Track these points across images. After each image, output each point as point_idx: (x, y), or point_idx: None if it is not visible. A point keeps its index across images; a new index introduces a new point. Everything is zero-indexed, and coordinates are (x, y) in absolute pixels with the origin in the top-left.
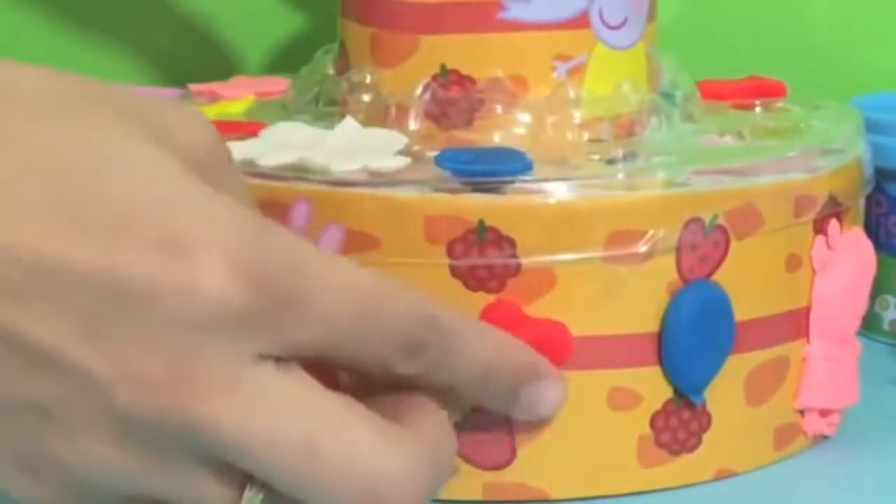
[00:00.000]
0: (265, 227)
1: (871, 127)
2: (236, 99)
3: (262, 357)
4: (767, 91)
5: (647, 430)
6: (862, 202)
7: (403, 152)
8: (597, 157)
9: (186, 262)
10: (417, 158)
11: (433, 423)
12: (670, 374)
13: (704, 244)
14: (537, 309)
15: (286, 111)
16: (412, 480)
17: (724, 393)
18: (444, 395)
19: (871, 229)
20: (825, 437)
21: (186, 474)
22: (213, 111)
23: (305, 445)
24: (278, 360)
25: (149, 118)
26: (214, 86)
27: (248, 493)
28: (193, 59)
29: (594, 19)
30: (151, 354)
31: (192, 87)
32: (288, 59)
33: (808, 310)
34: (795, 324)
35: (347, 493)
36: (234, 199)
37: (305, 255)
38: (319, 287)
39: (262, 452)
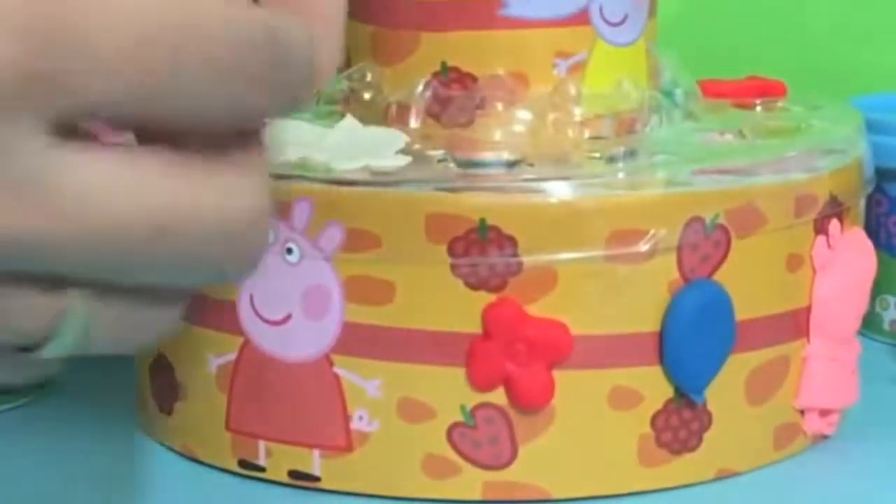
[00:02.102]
0: None
1: (871, 127)
2: None
3: (58, 130)
4: (768, 91)
5: (647, 429)
6: (862, 202)
7: (404, 151)
8: (597, 154)
9: None
10: (418, 157)
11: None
12: (671, 374)
13: (705, 244)
14: (538, 308)
15: None
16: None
17: (724, 392)
18: None
19: (872, 229)
20: (825, 437)
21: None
22: None
23: (150, 232)
24: (78, 133)
25: None
26: None
27: (74, 296)
28: None
29: (595, 16)
30: None
31: None
32: None
33: (808, 310)
34: (796, 323)
35: (210, 262)
36: None
37: None
38: (102, 20)
39: (101, 254)
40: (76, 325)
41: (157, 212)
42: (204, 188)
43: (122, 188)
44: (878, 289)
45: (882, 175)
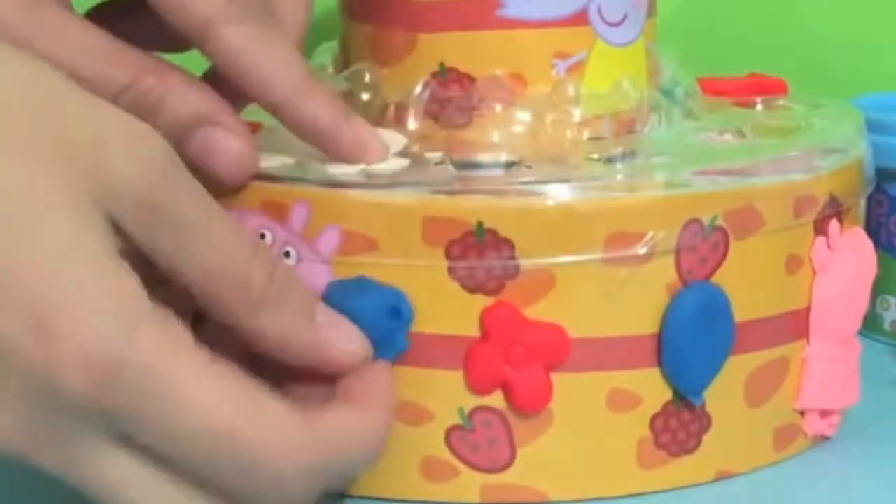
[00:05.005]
0: (135, 326)
1: (872, 127)
2: None
3: (114, 438)
4: (769, 89)
5: (646, 431)
6: (863, 202)
7: (402, 153)
8: (596, 156)
9: (42, 337)
10: (416, 159)
11: (342, 406)
12: (670, 376)
13: (704, 245)
14: (536, 311)
15: None
16: (301, 481)
17: (723, 394)
18: None
19: (872, 229)
20: (825, 438)
21: None
22: None
23: None
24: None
25: (76, 151)
26: None
27: None
28: (194, 61)
29: (593, 16)
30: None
31: None
32: None
33: (808, 310)
34: (795, 325)
35: None
36: (154, 238)
37: (166, 366)
38: (166, 406)
39: None
40: None
41: None
42: None
43: (137, 495)
44: (879, 289)
45: (882, 175)
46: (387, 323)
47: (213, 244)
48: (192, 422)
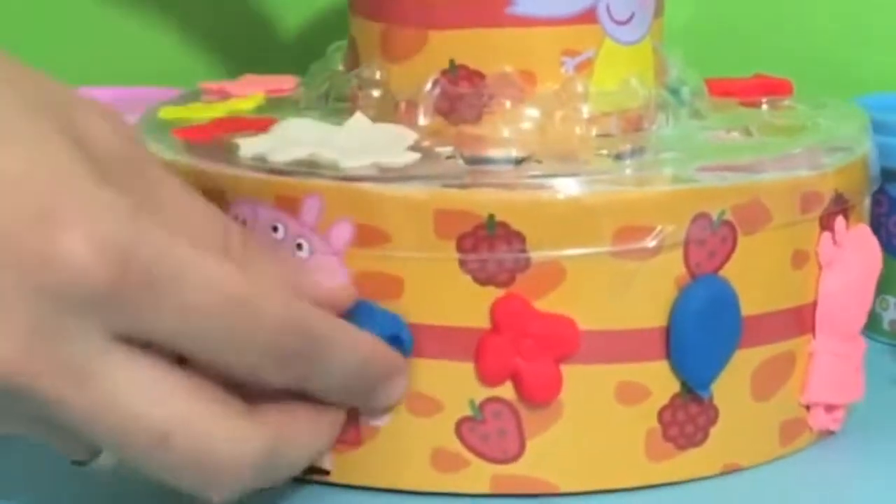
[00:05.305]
0: (140, 217)
1: (873, 127)
2: (246, 97)
3: (116, 338)
4: (774, 89)
5: (654, 424)
6: (868, 200)
7: (413, 148)
8: (605, 152)
9: (50, 231)
10: (427, 154)
11: (291, 407)
12: (678, 369)
13: (712, 239)
14: (546, 303)
15: (296, 108)
16: (244, 471)
17: (731, 387)
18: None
19: (873, 229)
20: (830, 433)
21: (44, 432)
22: (223, 109)
23: (156, 437)
24: (132, 342)
25: (58, 108)
26: (225, 84)
27: (103, 457)
28: (203, 58)
29: (602, 14)
30: (2, 319)
31: (203, 84)
32: (297, 58)
33: (814, 305)
34: (801, 319)
35: (193, 480)
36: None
37: (177, 249)
38: (183, 279)
39: (113, 440)
40: (107, 463)
41: (166, 423)
42: (219, 421)
43: (145, 397)
44: (878, 289)
45: (883, 175)
46: None
47: (181, 198)
48: (209, 294)
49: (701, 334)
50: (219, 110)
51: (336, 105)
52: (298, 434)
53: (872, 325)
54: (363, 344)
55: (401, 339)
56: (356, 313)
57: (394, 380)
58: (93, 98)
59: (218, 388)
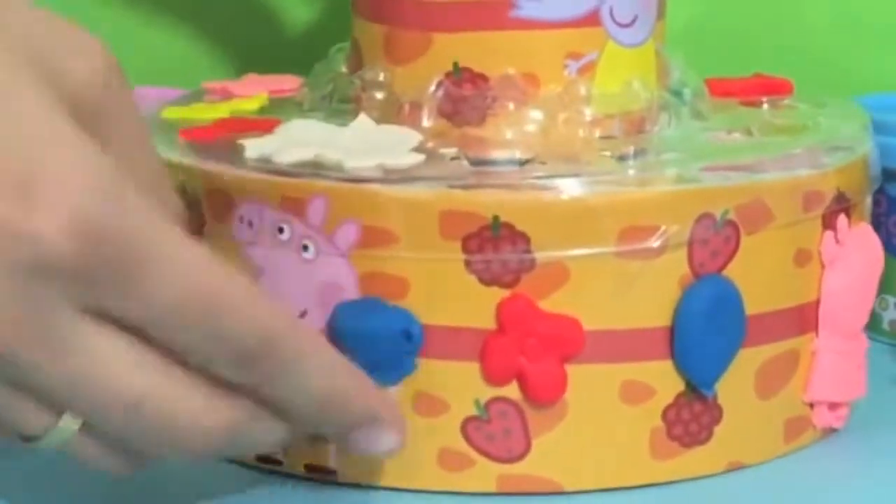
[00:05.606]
0: (116, 190)
1: (872, 127)
2: (249, 97)
3: (88, 311)
4: (774, 89)
5: (659, 422)
6: (869, 199)
7: (418, 149)
8: (608, 153)
9: (26, 206)
10: (431, 155)
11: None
12: (682, 368)
13: (716, 239)
14: (551, 303)
15: (300, 109)
16: (211, 441)
17: (735, 386)
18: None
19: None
20: (833, 431)
21: (6, 395)
22: (226, 109)
23: (129, 404)
24: (105, 316)
25: (34, 44)
26: (227, 84)
27: (66, 420)
28: (206, 58)
29: (605, 17)
30: None
31: (206, 84)
32: (300, 58)
33: (817, 304)
34: (804, 318)
35: (159, 444)
36: (104, 143)
37: (149, 232)
38: (149, 270)
39: (87, 405)
40: (62, 437)
41: (137, 392)
42: (190, 391)
43: (119, 365)
44: (878, 289)
45: (882, 175)
46: (399, 346)
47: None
48: (175, 288)
49: (705, 334)
50: (222, 111)
51: (339, 106)
52: (262, 415)
53: (872, 325)
54: (336, 376)
55: (410, 333)
56: (366, 309)
57: (373, 431)
58: (76, 27)
59: (188, 368)
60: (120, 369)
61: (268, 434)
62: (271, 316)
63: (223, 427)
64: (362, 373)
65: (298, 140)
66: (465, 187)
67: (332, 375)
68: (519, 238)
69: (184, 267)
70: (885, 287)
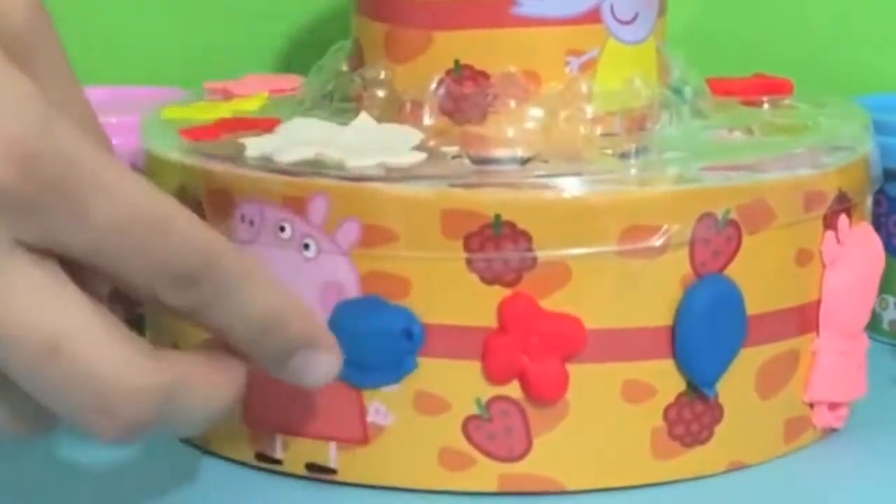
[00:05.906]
0: (51, 118)
1: (872, 127)
2: (249, 96)
3: (20, 244)
4: (775, 89)
5: (660, 422)
6: (870, 199)
7: (419, 147)
8: (609, 151)
9: None
10: (433, 153)
11: (193, 358)
12: (683, 368)
13: (717, 239)
14: (552, 302)
15: (300, 108)
16: (141, 402)
17: (736, 386)
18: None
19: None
20: (834, 431)
21: None
22: (226, 108)
23: (47, 345)
24: (37, 251)
25: None
26: (228, 83)
27: None
28: (206, 58)
29: (606, 14)
30: None
31: (206, 84)
32: (300, 57)
33: (817, 304)
34: (805, 318)
35: (76, 400)
36: (33, 77)
37: (88, 156)
38: (92, 191)
39: (1, 342)
40: None
41: (57, 332)
42: (115, 342)
43: (40, 303)
44: (879, 289)
45: (883, 175)
46: (400, 344)
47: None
48: (116, 207)
49: (706, 333)
50: (223, 110)
51: (340, 105)
52: (197, 383)
53: (872, 325)
54: (276, 298)
55: (411, 332)
56: (367, 308)
57: (312, 355)
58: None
59: (122, 325)
60: (41, 304)
61: (206, 402)
62: (214, 238)
63: (154, 387)
64: (299, 296)
65: (299, 139)
66: (467, 186)
67: (271, 296)
68: (520, 237)
69: (127, 189)
70: (885, 287)
